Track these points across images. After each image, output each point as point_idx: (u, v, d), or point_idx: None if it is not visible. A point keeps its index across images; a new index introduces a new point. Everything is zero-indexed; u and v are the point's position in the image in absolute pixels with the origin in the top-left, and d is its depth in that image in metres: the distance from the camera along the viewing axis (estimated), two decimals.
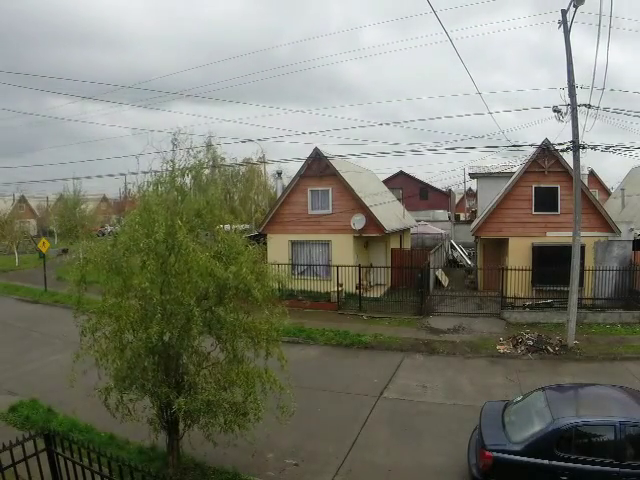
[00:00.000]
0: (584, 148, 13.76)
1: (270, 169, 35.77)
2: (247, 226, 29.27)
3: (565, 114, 13.51)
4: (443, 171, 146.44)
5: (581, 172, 14.64)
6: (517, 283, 17.50)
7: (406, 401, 10.67)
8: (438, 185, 46.92)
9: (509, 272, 17.50)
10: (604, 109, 13.53)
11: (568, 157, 16.33)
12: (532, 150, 18.18)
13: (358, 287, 19.01)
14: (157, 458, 7.78)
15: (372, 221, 20.65)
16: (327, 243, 21.51)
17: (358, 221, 20.57)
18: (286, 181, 26.88)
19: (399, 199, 34.10)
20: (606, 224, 18.42)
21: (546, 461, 6.34)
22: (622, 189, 26.65)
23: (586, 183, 22.29)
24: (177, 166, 7.14)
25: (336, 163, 21.11)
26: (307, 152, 21.29)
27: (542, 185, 18.83)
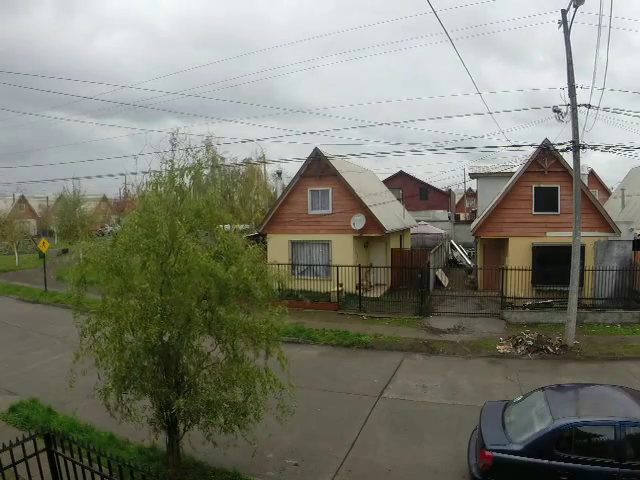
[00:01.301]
0: (584, 148, 13.75)
1: (270, 169, 35.74)
2: (247, 226, 29.23)
3: (565, 114, 13.52)
4: (443, 171, 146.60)
5: (581, 172, 14.64)
6: (517, 283, 17.50)
7: (406, 401, 10.67)
8: (438, 185, 46.99)
9: (509, 272, 17.50)
10: (604, 109, 13.55)
11: (568, 157, 16.33)
12: (532, 150, 18.17)
13: (358, 287, 19.01)
14: (157, 458, 7.77)
15: (372, 221, 20.64)
16: (327, 243, 21.51)
17: (358, 221, 20.58)
18: (286, 181, 26.90)
19: (399, 199, 34.05)
20: (606, 224, 18.42)
21: (546, 461, 6.34)
22: (622, 189, 26.66)
23: (586, 183, 22.29)
24: (176, 166, 7.13)
25: (336, 163, 21.11)
26: (305, 153, 21.29)
27: (542, 185, 18.83)
